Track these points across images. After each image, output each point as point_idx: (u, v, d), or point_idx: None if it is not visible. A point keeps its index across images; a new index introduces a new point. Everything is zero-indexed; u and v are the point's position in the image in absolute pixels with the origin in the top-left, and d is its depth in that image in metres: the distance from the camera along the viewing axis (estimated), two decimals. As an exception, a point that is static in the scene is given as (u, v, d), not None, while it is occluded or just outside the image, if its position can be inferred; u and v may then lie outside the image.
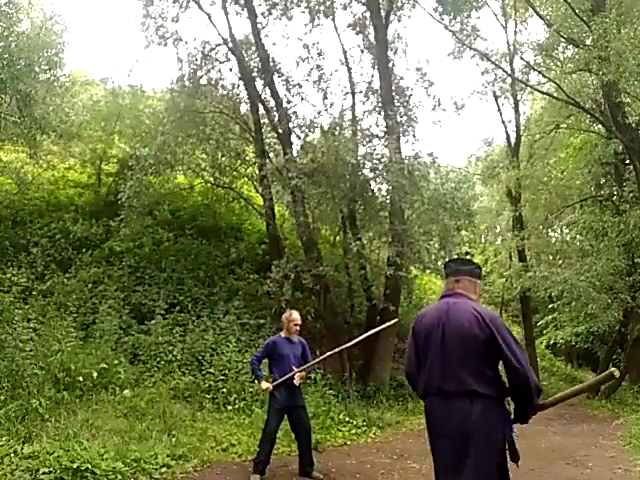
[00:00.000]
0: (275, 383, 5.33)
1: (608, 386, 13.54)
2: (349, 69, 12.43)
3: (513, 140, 18.52)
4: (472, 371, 2.60)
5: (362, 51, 12.57)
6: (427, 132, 53.18)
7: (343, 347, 6.01)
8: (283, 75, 11.79)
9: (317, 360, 5.89)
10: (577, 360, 23.38)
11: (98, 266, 10.63)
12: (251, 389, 8.11)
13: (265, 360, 5.67)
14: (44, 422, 5.78)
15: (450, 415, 2.62)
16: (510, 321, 21.63)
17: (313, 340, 10.67)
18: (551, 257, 17.95)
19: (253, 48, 11.83)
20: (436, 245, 11.85)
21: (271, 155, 11.93)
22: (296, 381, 5.33)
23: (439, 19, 13.36)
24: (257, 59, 11.73)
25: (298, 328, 5.62)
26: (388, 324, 6.17)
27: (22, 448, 4.98)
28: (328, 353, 5.88)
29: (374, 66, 11.94)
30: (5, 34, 10.06)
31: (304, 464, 5.48)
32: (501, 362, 2.64)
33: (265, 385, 5.37)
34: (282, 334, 5.62)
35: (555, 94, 14.28)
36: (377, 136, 10.79)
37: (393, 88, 11.55)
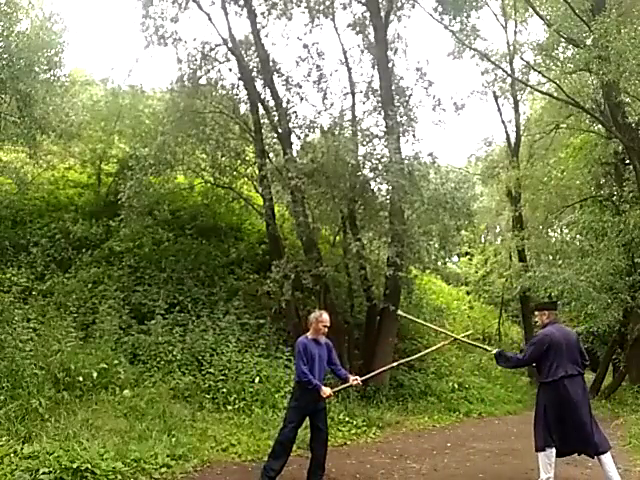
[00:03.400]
0: (337, 389, 5.18)
1: (608, 386, 13.56)
2: (349, 69, 12.40)
3: (513, 140, 18.50)
4: (578, 363, 5.12)
5: (362, 51, 12.53)
6: (427, 132, 52.83)
7: (402, 362, 7.17)
8: (283, 75, 11.77)
9: (379, 371, 6.97)
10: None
11: (98, 266, 10.63)
12: (251, 389, 8.11)
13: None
14: (44, 422, 5.79)
15: (576, 387, 5.01)
16: (510, 321, 21.59)
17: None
18: (551, 257, 17.90)
19: (253, 48, 11.81)
20: (436, 245, 11.83)
21: (271, 155, 11.92)
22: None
23: (439, 19, 13.30)
24: (257, 59, 11.71)
25: (327, 330, 5.33)
26: (445, 343, 7.15)
27: (22, 448, 5.00)
28: (388, 366, 6.94)
29: (374, 66, 11.91)
30: (5, 34, 10.04)
31: (315, 472, 5.19)
32: None
33: (328, 391, 5.06)
34: (309, 335, 5.31)
35: (555, 94, 14.26)
36: (377, 136, 10.76)
37: (393, 88, 11.53)
